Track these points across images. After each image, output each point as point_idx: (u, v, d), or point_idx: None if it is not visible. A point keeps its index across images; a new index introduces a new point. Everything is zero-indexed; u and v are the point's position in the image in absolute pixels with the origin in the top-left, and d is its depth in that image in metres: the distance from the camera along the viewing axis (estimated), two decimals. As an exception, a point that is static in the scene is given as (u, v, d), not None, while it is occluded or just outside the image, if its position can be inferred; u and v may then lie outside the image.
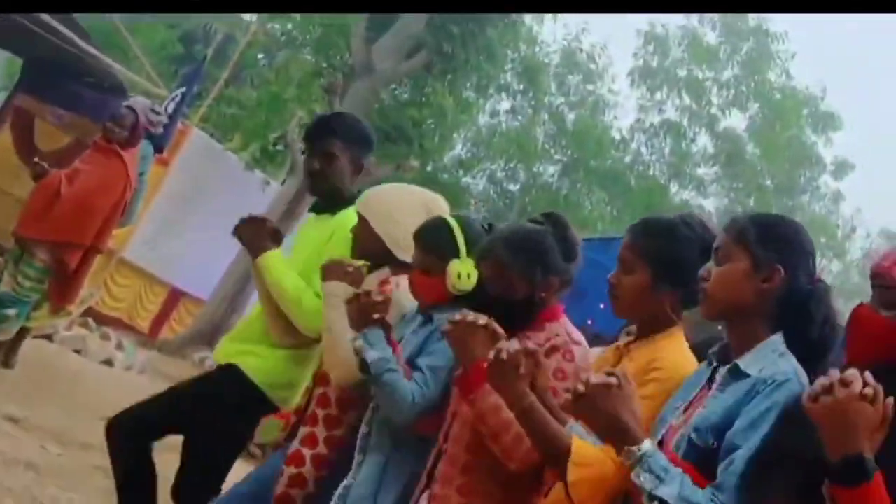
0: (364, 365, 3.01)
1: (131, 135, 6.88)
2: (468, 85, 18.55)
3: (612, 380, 2.21)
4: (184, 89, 10.59)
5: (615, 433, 2.20)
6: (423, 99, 17.55)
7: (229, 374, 3.83)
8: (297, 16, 20.87)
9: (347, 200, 3.85)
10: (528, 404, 2.47)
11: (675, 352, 2.66)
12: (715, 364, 2.47)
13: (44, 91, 13.70)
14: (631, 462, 2.16)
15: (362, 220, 3.55)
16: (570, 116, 22.03)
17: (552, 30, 24.89)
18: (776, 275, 2.38)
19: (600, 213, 21.49)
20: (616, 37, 22.24)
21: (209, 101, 13.95)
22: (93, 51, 13.25)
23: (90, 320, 10.59)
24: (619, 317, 2.81)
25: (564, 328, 2.92)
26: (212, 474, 3.87)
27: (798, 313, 2.38)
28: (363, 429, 3.18)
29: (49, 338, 8.97)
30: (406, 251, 3.41)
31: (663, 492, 2.12)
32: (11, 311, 6.57)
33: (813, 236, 2.51)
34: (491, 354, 2.52)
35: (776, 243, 2.40)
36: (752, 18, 22.00)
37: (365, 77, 16.36)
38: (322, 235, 3.86)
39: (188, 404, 3.87)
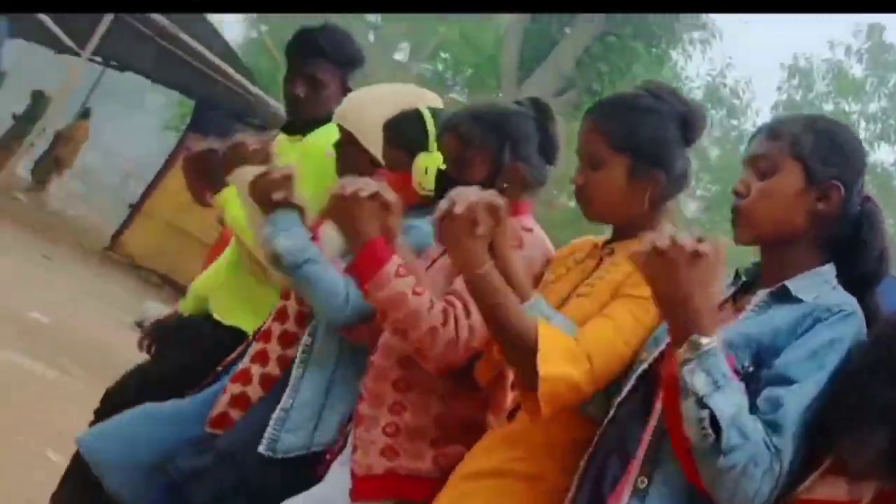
0: (275, 257, 2.45)
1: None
2: (614, 121, 18.48)
3: (706, 247, 1.70)
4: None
5: (682, 314, 1.69)
6: (571, 137, 17.50)
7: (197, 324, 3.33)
8: (448, 56, 21.20)
9: (323, 121, 3.20)
10: (483, 272, 1.94)
11: None
12: (744, 280, 2.00)
13: (212, 130, 14.22)
14: (687, 355, 1.68)
15: (346, 135, 2.88)
16: (714, 152, 21.69)
17: (697, 65, 24.54)
18: (834, 193, 1.90)
19: (744, 250, 20.99)
20: (760, 71, 21.89)
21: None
22: (258, 92, 13.72)
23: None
24: (592, 220, 2.21)
25: (517, 219, 2.30)
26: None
27: (850, 240, 1.92)
28: (305, 339, 2.64)
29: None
30: None
31: (717, 401, 1.64)
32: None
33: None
34: (442, 205, 1.98)
35: (836, 155, 1.91)
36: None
37: (514, 115, 16.50)
38: (288, 161, 3.16)
39: (175, 374, 3.25)
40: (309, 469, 2.49)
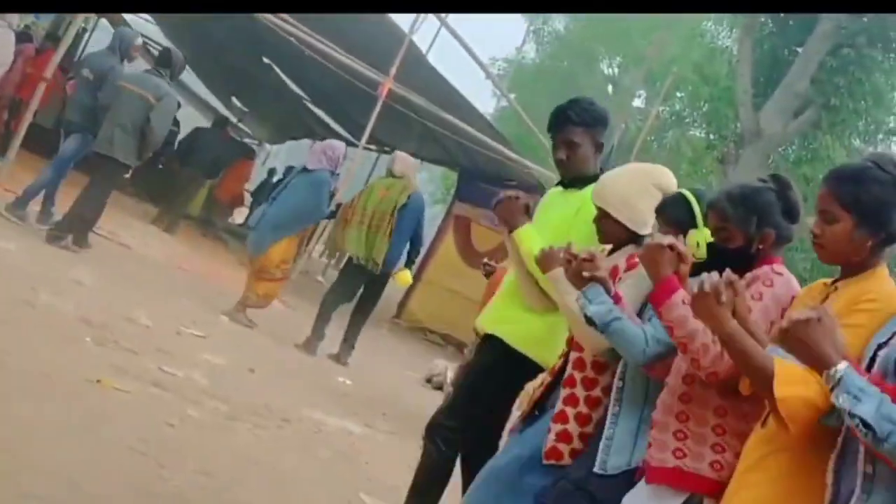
0: (589, 319, 3.06)
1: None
2: (856, 133, 17.67)
3: (813, 313, 2.21)
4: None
5: (816, 362, 2.19)
6: (812, 155, 16.93)
7: (492, 345, 3.98)
8: (684, 95, 21.01)
9: (592, 178, 3.87)
10: (730, 330, 2.47)
11: (886, 285, 2.57)
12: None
13: (475, 198, 14.82)
14: (831, 385, 2.14)
15: (602, 211, 3.55)
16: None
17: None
18: None
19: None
20: None
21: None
22: (514, 156, 14.20)
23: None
24: (824, 263, 2.71)
25: (770, 266, 2.91)
26: (492, 434, 4.02)
27: None
28: (617, 382, 3.20)
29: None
30: (647, 227, 3.47)
31: (860, 410, 2.08)
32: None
33: None
34: (695, 287, 2.53)
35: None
36: None
37: (755, 142, 16.09)
38: (569, 210, 3.91)
39: (485, 395, 4.04)
40: (631, 477, 3.04)
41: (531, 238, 3.85)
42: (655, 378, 3.08)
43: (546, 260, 3.52)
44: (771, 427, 2.50)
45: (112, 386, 4.89)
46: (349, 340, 8.88)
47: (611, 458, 3.11)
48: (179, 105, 18.55)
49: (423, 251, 15.00)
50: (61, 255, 7.98)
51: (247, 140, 21.88)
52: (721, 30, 22.22)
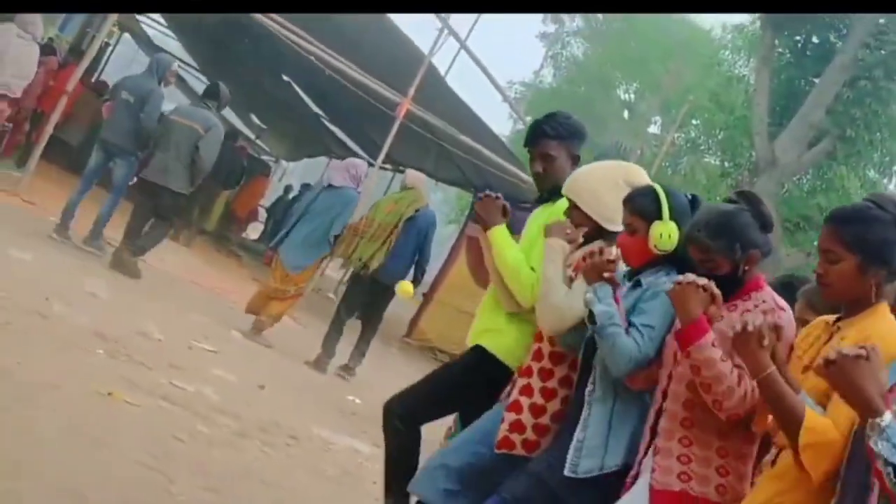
0: (591, 316, 3.08)
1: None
2: (871, 165, 17.64)
3: (863, 352, 2.20)
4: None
5: (859, 402, 2.19)
6: (827, 185, 16.86)
7: (478, 358, 3.88)
8: (699, 122, 21.00)
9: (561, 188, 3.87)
10: (768, 374, 2.50)
11: (885, 324, 2.59)
12: None
13: (490, 220, 14.78)
14: (873, 432, 2.13)
15: (572, 203, 3.61)
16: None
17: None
18: None
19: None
20: None
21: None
22: (528, 178, 14.21)
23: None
24: (830, 302, 2.75)
25: (770, 296, 2.93)
26: None
27: None
28: (588, 387, 3.21)
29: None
30: (614, 223, 3.46)
31: None
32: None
33: None
34: (738, 326, 2.56)
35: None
36: None
37: (770, 171, 16.06)
38: (540, 223, 3.85)
39: (449, 390, 3.97)
40: (601, 487, 3.08)
41: (504, 239, 3.83)
42: (634, 388, 3.12)
43: (555, 228, 3.52)
44: (783, 464, 2.54)
45: (123, 399, 4.88)
46: (360, 348, 9.02)
47: (582, 461, 3.14)
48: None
49: (436, 271, 15.05)
50: (77, 267, 7.99)
51: (264, 157, 21.97)
52: (738, 59, 22.23)
